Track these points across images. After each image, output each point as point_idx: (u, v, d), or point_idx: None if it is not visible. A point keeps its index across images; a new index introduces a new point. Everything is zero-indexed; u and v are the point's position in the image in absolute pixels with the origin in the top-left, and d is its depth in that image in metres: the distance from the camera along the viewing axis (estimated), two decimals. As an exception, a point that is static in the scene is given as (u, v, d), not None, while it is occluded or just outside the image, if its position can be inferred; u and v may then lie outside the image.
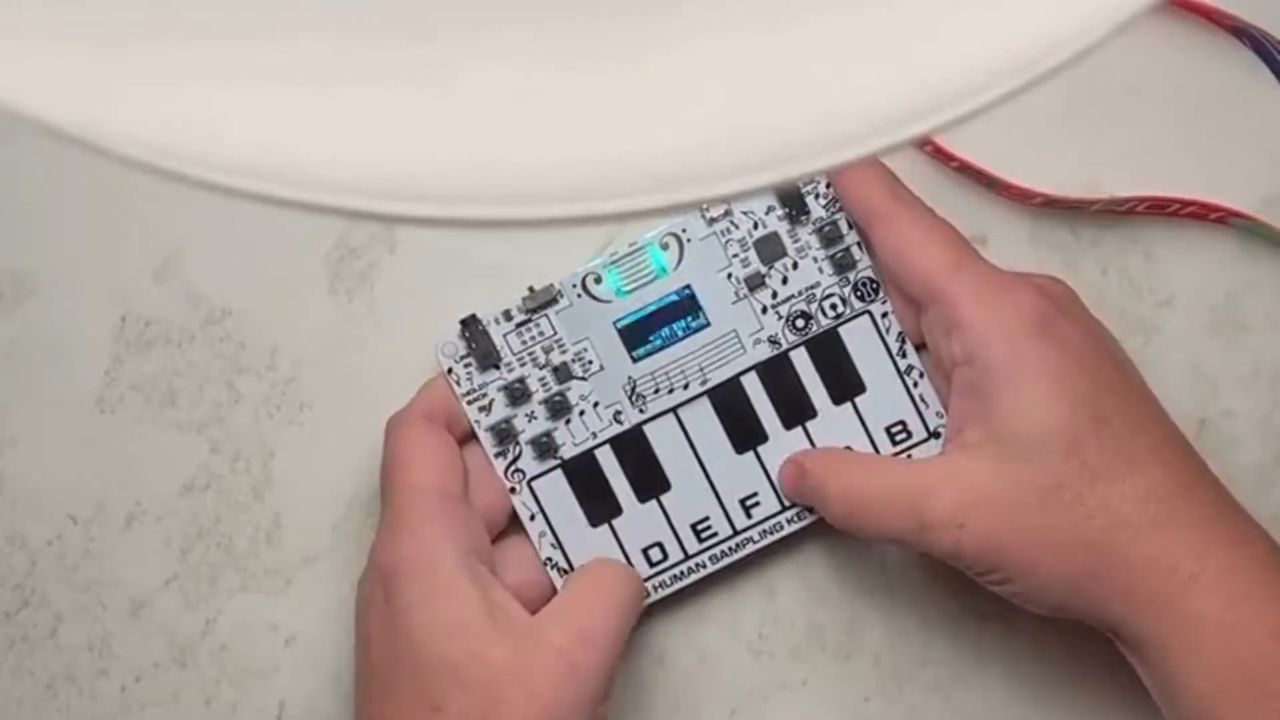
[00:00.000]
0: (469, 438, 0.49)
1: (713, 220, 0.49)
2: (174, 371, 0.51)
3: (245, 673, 0.51)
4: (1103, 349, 0.46)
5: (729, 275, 0.49)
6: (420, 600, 0.45)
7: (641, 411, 0.49)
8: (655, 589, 0.49)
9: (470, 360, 0.49)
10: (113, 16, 0.24)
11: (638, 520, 0.49)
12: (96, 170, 0.50)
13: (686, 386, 0.49)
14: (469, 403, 0.49)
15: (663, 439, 0.49)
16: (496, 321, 0.49)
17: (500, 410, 0.49)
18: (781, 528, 0.49)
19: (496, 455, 0.49)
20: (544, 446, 0.49)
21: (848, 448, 0.49)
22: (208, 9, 0.24)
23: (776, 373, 0.49)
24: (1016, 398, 0.44)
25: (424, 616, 0.45)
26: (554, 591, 0.49)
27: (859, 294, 0.49)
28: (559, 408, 0.49)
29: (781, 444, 0.49)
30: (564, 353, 0.49)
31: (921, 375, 0.49)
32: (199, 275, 0.52)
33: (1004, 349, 0.44)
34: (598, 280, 0.49)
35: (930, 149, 0.51)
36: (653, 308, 0.49)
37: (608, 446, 0.49)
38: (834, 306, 0.49)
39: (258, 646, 0.51)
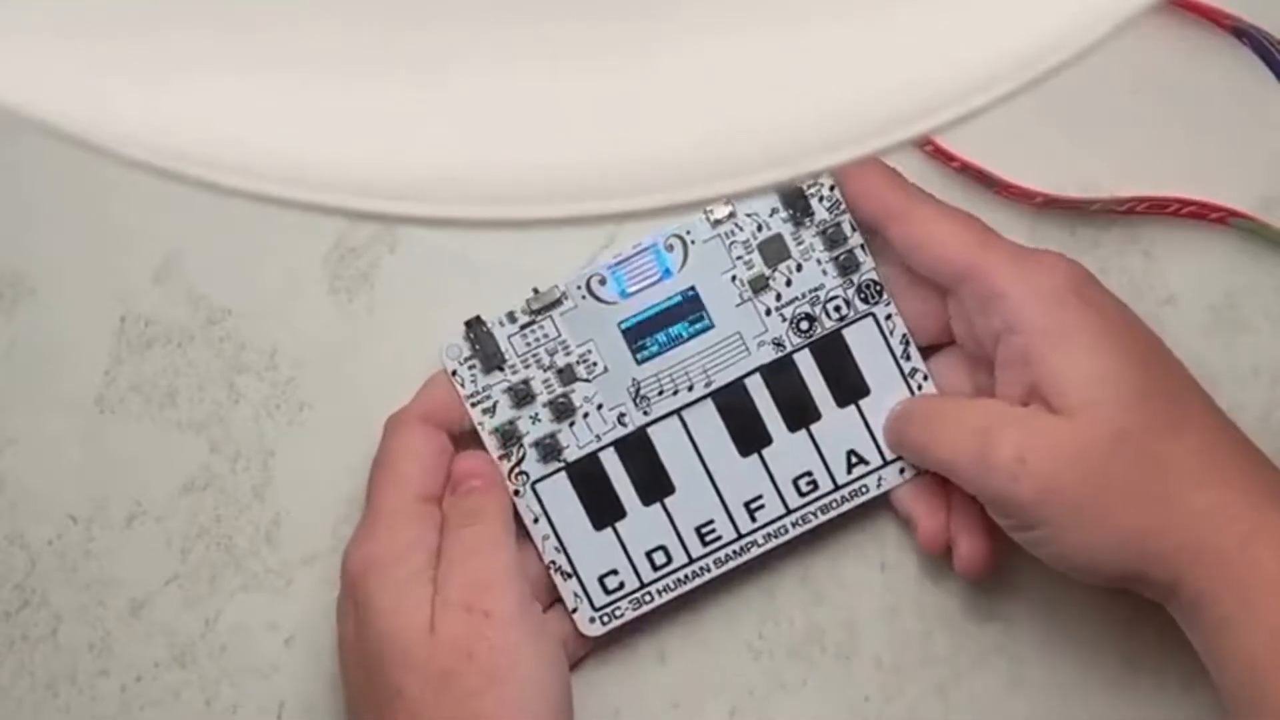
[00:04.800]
0: (469, 439, 0.49)
1: (717, 222, 0.49)
2: (174, 371, 0.51)
3: (245, 673, 0.51)
4: (1134, 314, 0.47)
5: (733, 277, 0.49)
6: (376, 592, 0.46)
7: (645, 414, 0.49)
8: (659, 593, 0.49)
9: (474, 362, 0.49)
10: (110, 13, 0.24)
11: (642, 523, 0.49)
12: (96, 170, 0.50)
13: (691, 389, 0.49)
14: (473, 404, 0.49)
15: (667, 441, 0.49)
16: (501, 323, 0.49)
17: (504, 412, 0.49)
18: (786, 531, 0.49)
19: (500, 458, 0.49)
20: (548, 449, 0.49)
21: (850, 453, 0.49)
22: (206, 6, 0.24)
23: (780, 375, 0.49)
24: (1070, 356, 0.44)
25: (379, 605, 0.45)
26: (557, 595, 0.49)
27: (863, 296, 0.49)
28: (563, 410, 0.49)
29: (786, 447, 0.49)
30: (568, 355, 0.49)
31: (926, 378, 0.48)
32: (199, 275, 0.52)
33: (1047, 314, 0.44)
34: (602, 282, 0.49)
35: (930, 149, 0.50)
36: (657, 310, 0.49)
37: (612, 449, 0.49)
38: (838, 309, 0.49)
39: (258, 646, 0.51)
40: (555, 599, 0.49)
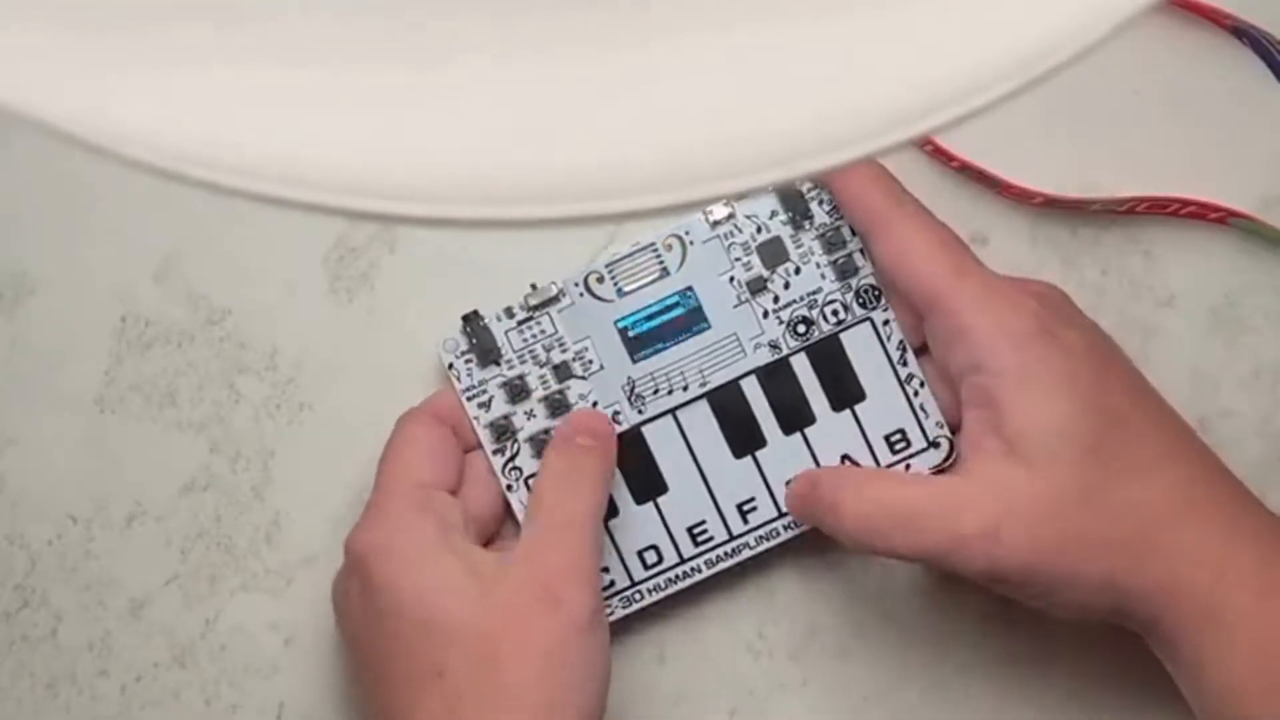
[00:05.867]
0: (475, 447, 0.49)
1: (716, 223, 0.49)
2: (174, 371, 0.51)
3: (245, 673, 0.51)
4: (1107, 350, 0.46)
5: (731, 279, 0.49)
6: (399, 573, 0.45)
7: (640, 412, 0.49)
8: (650, 591, 0.49)
9: (471, 356, 0.49)
10: (109, 12, 0.24)
11: (634, 522, 0.49)
12: (96, 170, 0.50)
13: (686, 388, 0.49)
14: (468, 399, 0.49)
15: (661, 441, 0.49)
16: (498, 318, 0.49)
17: (499, 407, 0.49)
18: (778, 534, 0.49)
19: (494, 452, 0.49)
20: (542, 444, 0.49)
21: (845, 457, 0.49)
22: (206, 6, 0.24)
23: (776, 378, 0.49)
24: (1031, 401, 0.44)
25: (406, 588, 0.45)
26: None
27: (861, 301, 0.49)
28: (558, 406, 0.49)
29: (780, 450, 0.49)
30: (564, 351, 0.49)
31: (922, 384, 0.48)
32: (199, 275, 0.52)
33: (1011, 354, 0.44)
34: (600, 280, 0.49)
35: (930, 149, 0.51)
36: (654, 308, 0.49)
37: None
38: (835, 313, 0.49)
39: (258, 646, 0.51)
40: None
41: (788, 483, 0.48)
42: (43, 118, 0.23)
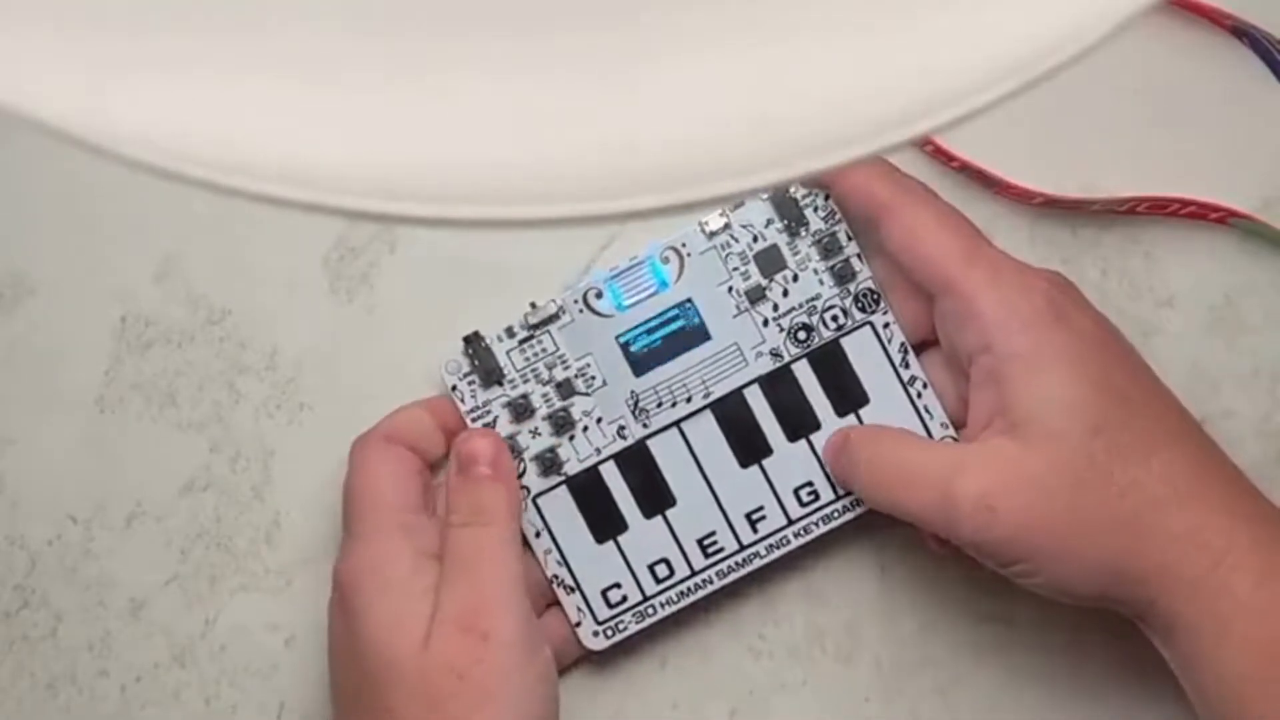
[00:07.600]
0: (442, 461, 0.49)
1: (713, 234, 0.49)
2: (174, 371, 0.51)
3: (245, 673, 0.51)
4: (1114, 336, 0.46)
5: (730, 288, 0.49)
6: (368, 604, 0.45)
7: (645, 426, 0.49)
8: (662, 605, 0.49)
9: (474, 377, 0.49)
10: (108, 13, 0.24)
11: (644, 536, 0.49)
12: (96, 170, 0.50)
13: (689, 400, 0.49)
14: (473, 420, 0.49)
15: (667, 454, 0.49)
16: (499, 338, 0.49)
17: (504, 427, 0.49)
18: (788, 542, 0.49)
19: None
20: (548, 463, 0.49)
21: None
22: (206, 5, 0.24)
23: (779, 385, 0.49)
24: (1039, 382, 0.44)
25: (371, 619, 0.45)
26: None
27: (860, 305, 0.49)
28: (562, 424, 0.49)
29: (786, 457, 0.49)
30: (566, 368, 0.49)
31: (925, 385, 0.48)
32: (199, 275, 0.52)
33: (1022, 337, 0.44)
34: (599, 295, 0.49)
35: (930, 149, 0.50)
36: (654, 321, 0.49)
37: (612, 462, 0.49)
38: (835, 318, 0.49)
39: (258, 646, 0.51)
40: (555, 599, 0.49)
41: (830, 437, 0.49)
42: (43, 119, 0.23)
